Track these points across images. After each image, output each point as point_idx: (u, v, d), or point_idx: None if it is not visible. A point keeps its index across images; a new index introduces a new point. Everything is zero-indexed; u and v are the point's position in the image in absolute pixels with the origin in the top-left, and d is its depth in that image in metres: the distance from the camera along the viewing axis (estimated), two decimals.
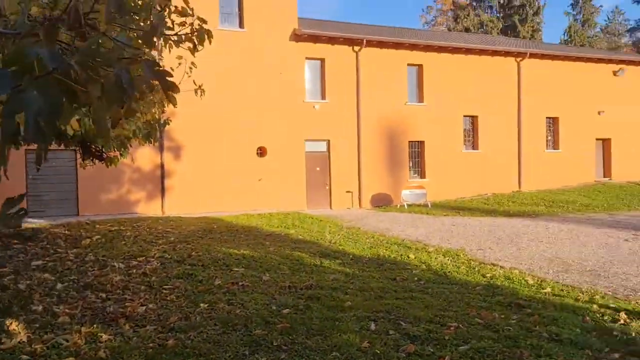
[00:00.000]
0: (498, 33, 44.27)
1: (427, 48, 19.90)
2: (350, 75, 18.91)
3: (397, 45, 19.47)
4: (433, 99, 20.23)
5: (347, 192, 18.98)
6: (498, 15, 46.60)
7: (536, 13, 45.64)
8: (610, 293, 7.37)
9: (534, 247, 10.85)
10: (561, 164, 22.37)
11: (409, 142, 20.02)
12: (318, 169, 18.63)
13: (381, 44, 19.21)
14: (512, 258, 9.82)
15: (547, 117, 22.36)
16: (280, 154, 17.82)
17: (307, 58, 18.38)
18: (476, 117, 21.07)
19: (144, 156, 16.04)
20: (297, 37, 17.96)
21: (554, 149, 22.51)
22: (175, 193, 16.53)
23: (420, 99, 20.20)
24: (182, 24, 4.64)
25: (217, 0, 16.79)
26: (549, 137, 22.58)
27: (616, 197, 19.13)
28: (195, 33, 4.82)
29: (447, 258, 9.43)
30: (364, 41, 18.64)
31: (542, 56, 21.93)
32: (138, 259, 8.30)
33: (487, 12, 46.75)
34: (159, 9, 3.63)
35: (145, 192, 16.15)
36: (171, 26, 4.01)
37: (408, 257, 9.33)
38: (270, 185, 17.66)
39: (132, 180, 15.97)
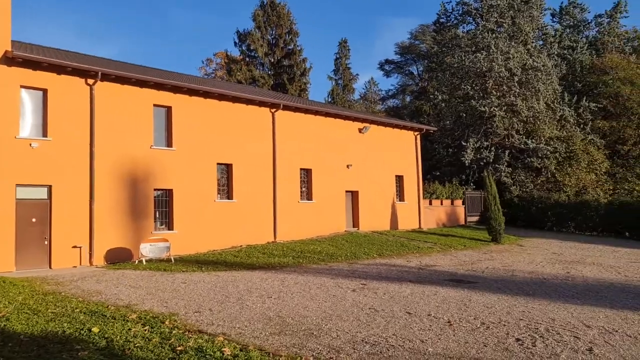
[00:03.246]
0: (269, 89, 45.90)
1: (176, 89, 18.52)
2: (82, 111, 16.32)
3: (141, 83, 17.64)
4: (184, 144, 18.77)
5: (75, 247, 15.95)
6: (269, 72, 48.53)
7: (303, 74, 48.76)
8: (311, 358, 6.45)
9: (259, 305, 9.77)
10: (315, 214, 22.84)
11: (155, 189, 18.03)
12: (34, 220, 15.29)
13: (121, 80, 17.16)
14: (229, 320, 8.50)
15: (301, 169, 22.75)
16: None
17: (23, 86, 15.28)
18: (231, 165, 20.22)
19: None
20: (9, 60, 14.82)
21: (308, 199, 22.92)
22: None
23: (170, 143, 18.54)
24: None
25: None
26: (304, 188, 22.97)
27: (359, 246, 19.92)
28: None
29: (147, 327, 7.65)
30: (99, 74, 16.36)
31: (296, 109, 22.46)
32: None
33: (259, 69, 48.31)
34: None
35: None
36: None
37: (89, 331, 7.25)
38: None
39: None
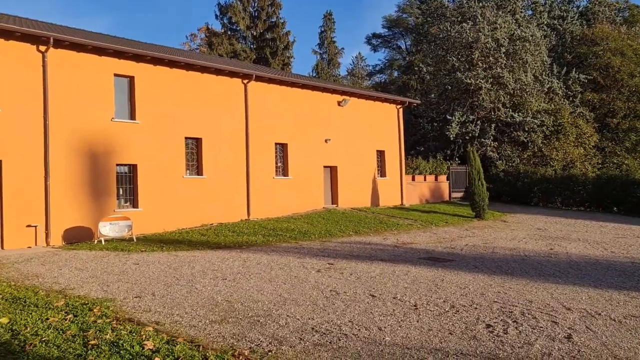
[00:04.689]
0: (251, 63, 44.43)
1: (139, 58, 17.28)
2: (34, 81, 15.11)
3: (99, 51, 16.39)
4: (149, 117, 17.63)
5: (29, 226, 14.92)
6: (251, 46, 46.96)
7: (286, 48, 47.25)
8: (246, 351, 5.55)
9: (210, 288, 8.86)
10: (292, 191, 21.87)
11: (118, 165, 16.95)
12: None
13: (77, 47, 15.90)
14: (170, 306, 7.59)
15: (276, 143, 21.70)
16: None
17: None
18: (200, 139, 19.12)
19: None
20: None
21: (284, 175, 21.91)
22: None
23: (133, 115, 17.38)
24: None
25: None
26: (279, 164, 21.94)
27: (336, 223, 19.03)
28: None
29: (70, 316, 6.72)
30: (51, 40, 15.09)
31: (269, 80, 21.28)
32: None
33: (241, 43, 46.71)
34: None
35: None
36: None
37: None
38: None
39: None
